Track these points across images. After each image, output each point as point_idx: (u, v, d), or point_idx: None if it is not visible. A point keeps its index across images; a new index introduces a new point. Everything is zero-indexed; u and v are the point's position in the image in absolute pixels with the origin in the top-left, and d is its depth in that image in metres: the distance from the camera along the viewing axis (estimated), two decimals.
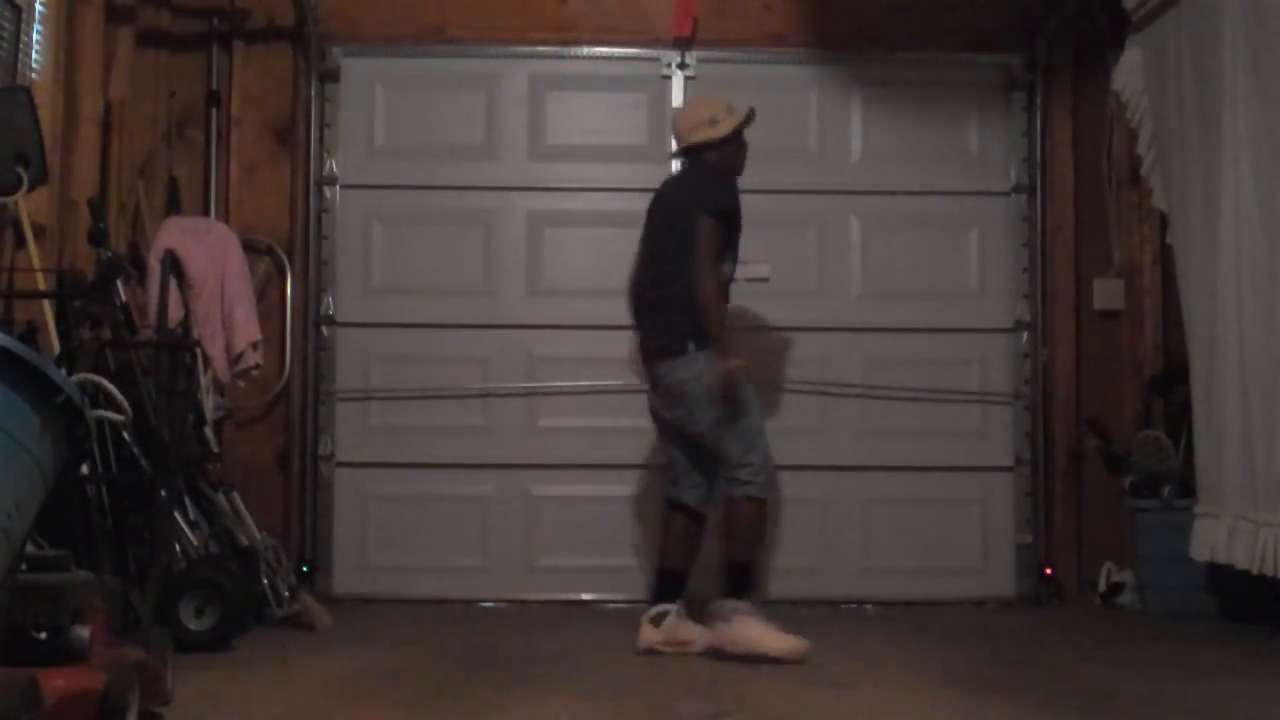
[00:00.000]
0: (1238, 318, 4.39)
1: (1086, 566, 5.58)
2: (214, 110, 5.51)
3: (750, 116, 4.42)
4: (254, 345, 4.87)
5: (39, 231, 4.19)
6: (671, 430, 4.35)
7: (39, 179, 3.98)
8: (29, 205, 4.02)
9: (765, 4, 5.75)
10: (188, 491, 4.50)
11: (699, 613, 4.21)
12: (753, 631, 4.00)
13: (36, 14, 4.41)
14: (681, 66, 5.72)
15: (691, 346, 4.16)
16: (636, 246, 4.54)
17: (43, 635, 2.45)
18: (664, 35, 5.69)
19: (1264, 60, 4.24)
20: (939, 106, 5.81)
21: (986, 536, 5.70)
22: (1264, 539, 4.20)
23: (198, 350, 4.61)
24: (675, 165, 4.92)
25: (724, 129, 4.36)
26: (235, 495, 4.75)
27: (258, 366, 4.95)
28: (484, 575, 5.55)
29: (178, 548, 4.29)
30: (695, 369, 4.16)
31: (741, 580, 4.18)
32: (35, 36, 4.39)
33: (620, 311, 5.61)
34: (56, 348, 3.99)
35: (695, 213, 4.17)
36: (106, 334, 4.29)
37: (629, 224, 5.66)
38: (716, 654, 4.03)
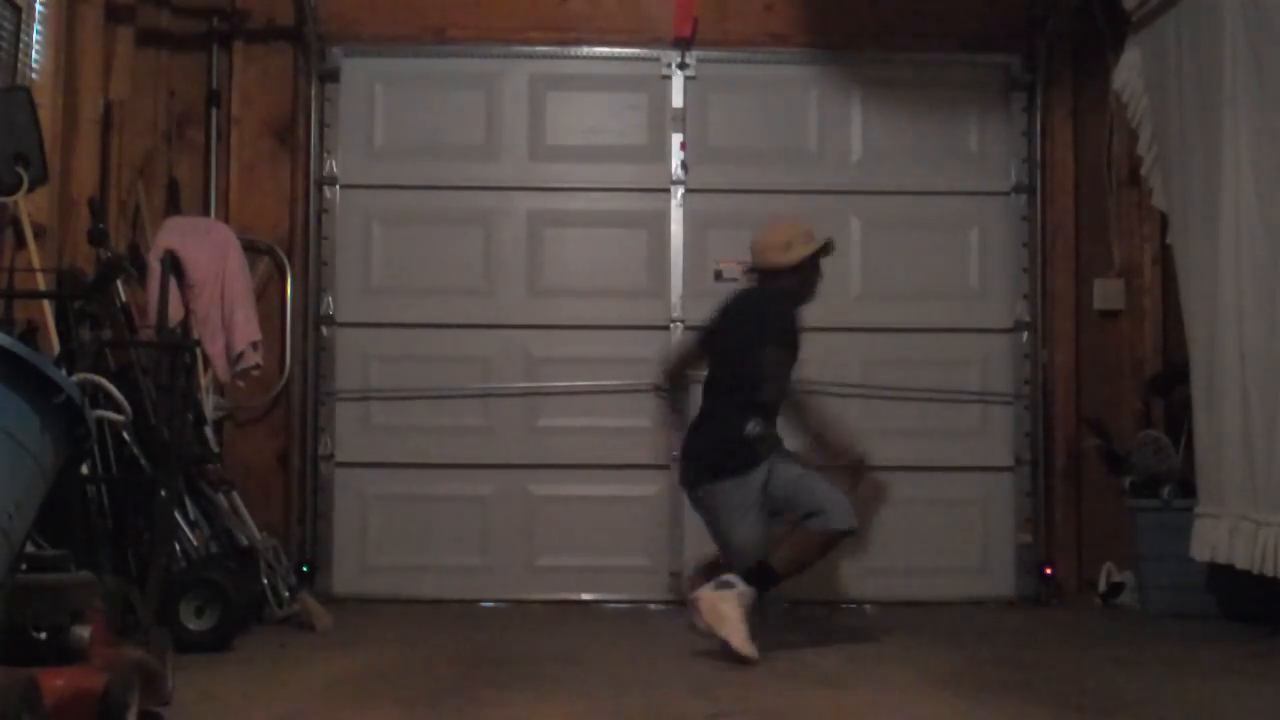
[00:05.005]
0: (1238, 318, 4.39)
1: (1086, 566, 5.58)
2: (214, 110, 5.51)
3: (828, 247, 4.41)
4: (254, 345, 4.87)
5: (39, 231, 4.18)
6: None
7: (39, 179, 3.97)
8: (29, 205, 4.02)
9: (765, 4, 5.75)
10: (188, 491, 4.50)
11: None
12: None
13: (36, 14, 4.41)
14: (681, 66, 5.72)
15: (733, 471, 4.22)
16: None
17: (43, 635, 2.44)
18: (664, 35, 5.69)
19: (1264, 60, 4.24)
20: (939, 106, 5.81)
21: (986, 536, 5.70)
22: (1264, 539, 4.21)
23: (198, 350, 4.61)
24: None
25: (796, 255, 4.36)
26: (235, 495, 4.75)
27: (258, 366, 4.95)
28: (484, 575, 5.55)
29: (178, 548, 4.29)
30: (738, 491, 4.21)
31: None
32: (35, 36, 4.39)
33: (619, 311, 5.67)
34: (56, 348, 3.99)
35: (758, 344, 4.26)
36: (106, 334, 4.29)
37: (629, 224, 5.73)
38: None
